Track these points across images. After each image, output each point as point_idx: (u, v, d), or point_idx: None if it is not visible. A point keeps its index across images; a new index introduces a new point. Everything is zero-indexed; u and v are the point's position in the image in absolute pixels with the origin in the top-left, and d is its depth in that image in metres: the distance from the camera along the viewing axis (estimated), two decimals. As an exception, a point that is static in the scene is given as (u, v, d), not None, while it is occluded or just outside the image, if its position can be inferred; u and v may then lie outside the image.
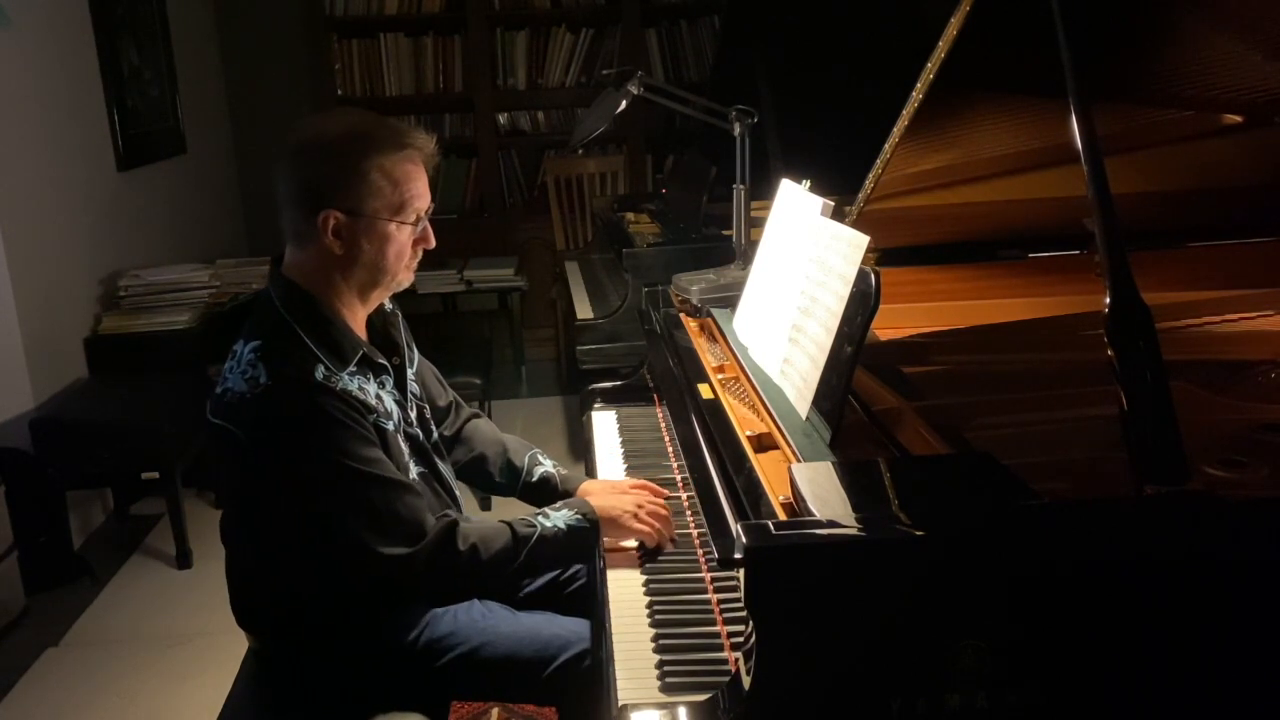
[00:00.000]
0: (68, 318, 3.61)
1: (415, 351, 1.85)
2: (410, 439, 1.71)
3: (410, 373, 1.77)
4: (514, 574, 1.64)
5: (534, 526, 1.63)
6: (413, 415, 1.73)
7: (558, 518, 1.66)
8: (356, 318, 1.66)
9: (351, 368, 1.58)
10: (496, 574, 1.61)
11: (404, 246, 1.62)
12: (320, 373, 1.53)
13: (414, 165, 1.61)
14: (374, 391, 1.62)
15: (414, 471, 1.68)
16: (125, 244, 4.06)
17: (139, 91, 4.30)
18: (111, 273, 3.89)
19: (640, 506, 1.69)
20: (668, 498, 1.84)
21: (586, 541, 1.66)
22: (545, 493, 1.91)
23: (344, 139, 1.58)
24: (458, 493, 1.82)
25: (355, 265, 1.60)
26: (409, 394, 1.74)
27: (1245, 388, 1.67)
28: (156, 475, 3.26)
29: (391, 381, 1.68)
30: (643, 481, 1.86)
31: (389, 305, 1.78)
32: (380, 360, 1.66)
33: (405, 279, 1.66)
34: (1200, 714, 1.13)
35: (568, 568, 1.84)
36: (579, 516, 1.66)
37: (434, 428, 1.83)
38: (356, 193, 1.56)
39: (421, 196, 1.62)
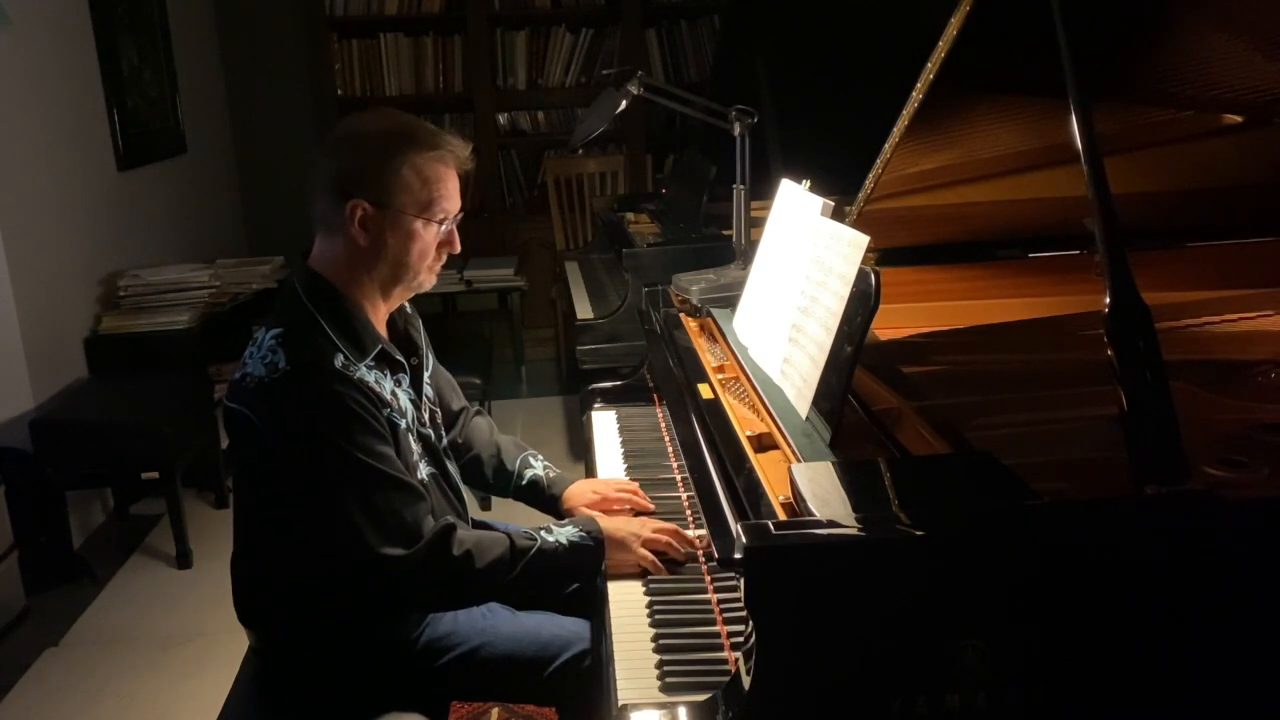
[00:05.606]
0: (68, 318, 3.61)
1: (432, 356, 1.85)
2: (423, 439, 1.71)
3: (426, 375, 1.78)
4: (511, 586, 1.60)
5: (534, 540, 1.61)
6: (426, 416, 1.74)
7: (561, 533, 1.63)
8: (378, 314, 1.67)
9: (369, 360, 1.59)
10: (491, 584, 1.59)
11: (428, 246, 1.63)
12: (339, 361, 1.54)
13: (446, 167, 1.62)
14: (390, 387, 1.62)
15: (424, 472, 1.68)
16: (125, 244, 4.06)
17: (139, 91, 4.30)
18: (111, 273, 3.89)
19: (645, 527, 1.65)
20: (670, 496, 1.84)
21: (589, 560, 1.61)
22: (534, 495, 1.92)
23: (381, 134, 1.60)
24: (464, 493, 1.82)
25: (379, 259, 1.61)
26: (424, 395, 1.74)
27: (1245, 388, 1.67)
28: (156, 475, 3.26)
29: (408, 380, 1.69)
30: (624, 482, 1.87)
31: (409, 308, 1.79)
32: (398, 358, 1.67)
33: (427, 280, 1.67)
34: (1200, 713, 1.13)
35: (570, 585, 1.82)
36: (583, 534, 1.63)
37: (444, 432, 1.83)
38: (386, 185, 1.58)
39: (450, 199, 1.63)
